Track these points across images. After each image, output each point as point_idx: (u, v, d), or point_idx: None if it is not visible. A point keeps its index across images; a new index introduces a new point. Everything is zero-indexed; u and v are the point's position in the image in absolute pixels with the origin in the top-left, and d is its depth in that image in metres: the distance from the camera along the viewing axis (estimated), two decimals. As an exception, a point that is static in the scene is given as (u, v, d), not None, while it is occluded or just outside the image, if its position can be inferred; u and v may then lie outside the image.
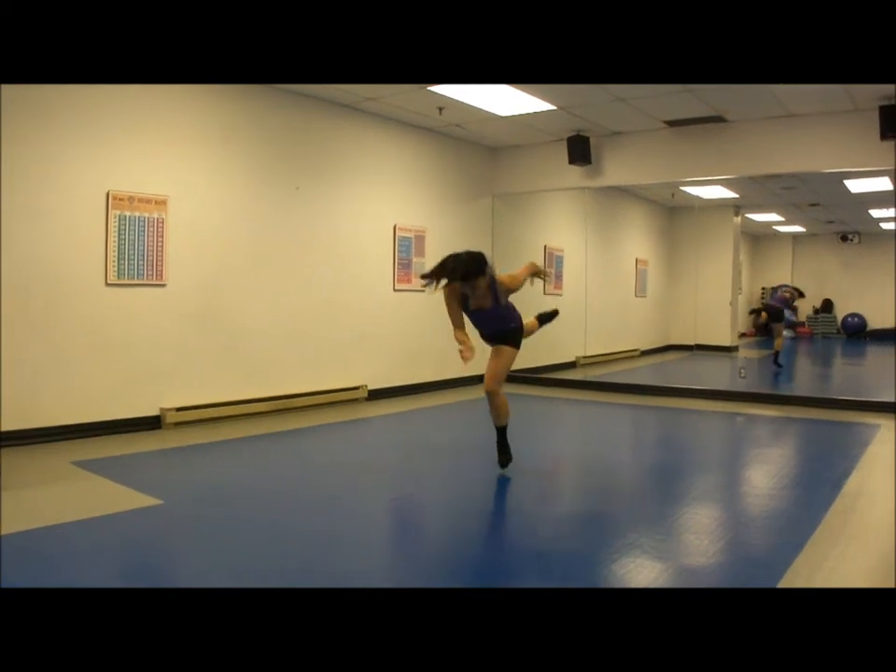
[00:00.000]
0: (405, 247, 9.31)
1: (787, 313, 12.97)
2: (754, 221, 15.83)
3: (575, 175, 9.96)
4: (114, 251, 6.39)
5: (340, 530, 4.10)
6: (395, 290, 9.18)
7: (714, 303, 14.18)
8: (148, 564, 3.59)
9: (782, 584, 3.19)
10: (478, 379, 10.20)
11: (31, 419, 5.98)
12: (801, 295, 13.22)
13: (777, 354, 12.43)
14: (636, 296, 14.70)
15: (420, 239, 9.51)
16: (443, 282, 4.91)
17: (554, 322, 5.90)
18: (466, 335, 4.98)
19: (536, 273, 5.48)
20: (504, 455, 5.23)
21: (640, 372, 12.54)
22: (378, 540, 4.17)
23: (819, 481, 5.26)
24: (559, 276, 12.08)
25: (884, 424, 7.37)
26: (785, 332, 13.15)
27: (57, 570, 3.38)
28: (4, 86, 5.58)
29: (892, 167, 7.83)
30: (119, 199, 6.40)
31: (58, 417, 6.15)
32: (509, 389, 9.91)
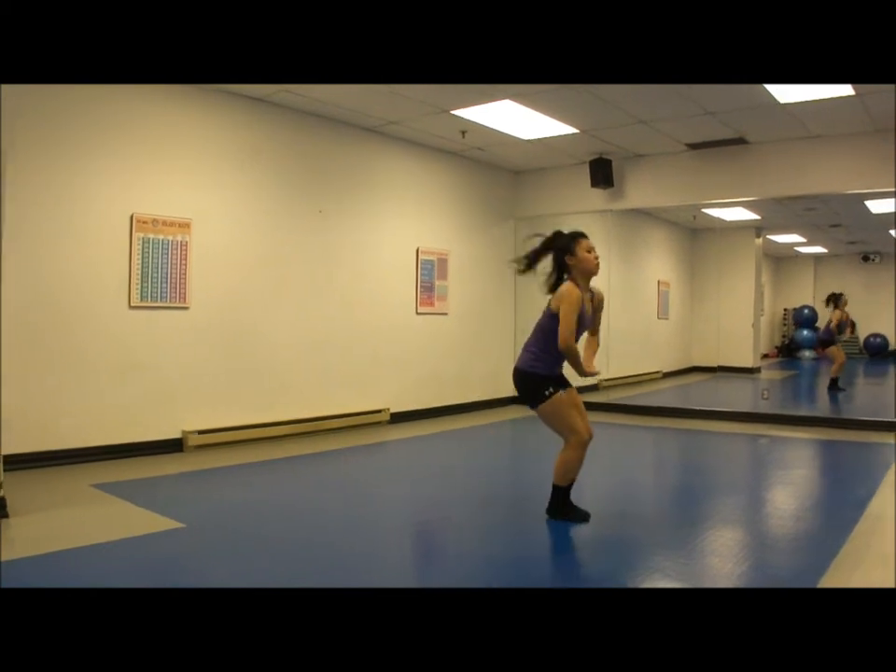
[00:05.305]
0: (428, 270, 9.36)
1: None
2: (776, 242, 15.81)
3: (597, 197, 10.01)
4: (137, 273, 6.48)
5: (364, 554, 4.12)
6: (417, 313, 9.20)
7: (736, 325, 14.16)
8: (171, 587, 3.51)
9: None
10: (500, 402, 10.23)
11: (51, 441, 6.02)
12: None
13: (834, 380, 12.26)
14: (658, 318, 14.70)
15: (443, 262, 9.57)
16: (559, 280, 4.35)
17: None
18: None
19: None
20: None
21: (663, 395, 12.52)
22: (400, 563, 4.20)
23: (843, 502, 5.27)
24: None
25: (907, 445, 7.32)
26: (807, 353, 13.01)
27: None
28: (30, 108, 5.72)
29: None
30: (143, 222, 6.50)
31: (79, 439, 6.18)
32: (522, 413, 9.96)
